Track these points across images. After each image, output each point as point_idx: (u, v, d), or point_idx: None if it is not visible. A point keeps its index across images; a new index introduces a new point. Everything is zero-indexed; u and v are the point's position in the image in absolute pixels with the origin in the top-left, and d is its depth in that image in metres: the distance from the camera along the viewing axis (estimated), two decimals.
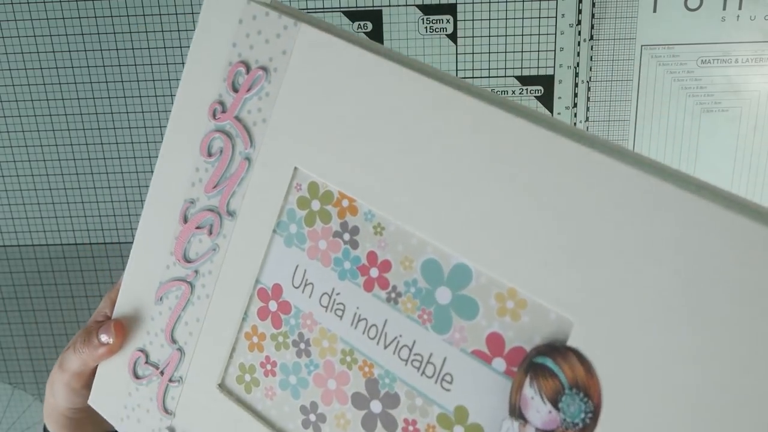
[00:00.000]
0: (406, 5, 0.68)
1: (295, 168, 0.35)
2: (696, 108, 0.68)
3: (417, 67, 0.32)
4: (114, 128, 0.73)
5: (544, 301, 0.28)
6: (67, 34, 0.70)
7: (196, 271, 0.38)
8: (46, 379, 0.85)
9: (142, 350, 0.41)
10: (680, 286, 0.25)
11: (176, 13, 0.69)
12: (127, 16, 0.69)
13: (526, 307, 0.29)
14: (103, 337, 0.41)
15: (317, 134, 0.34)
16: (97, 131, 0.73)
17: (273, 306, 0.36)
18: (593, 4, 0.66)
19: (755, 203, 0.25)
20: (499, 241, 0.29)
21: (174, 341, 0.40)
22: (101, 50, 0.71)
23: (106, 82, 0.72)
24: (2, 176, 0.75)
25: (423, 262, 0.32)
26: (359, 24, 0.69)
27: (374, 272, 0.33)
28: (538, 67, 0.69)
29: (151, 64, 0.71)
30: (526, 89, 0.69)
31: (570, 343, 0.27)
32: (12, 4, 0.69)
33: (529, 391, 0.28)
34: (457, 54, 0.69)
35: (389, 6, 0.68)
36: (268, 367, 0.37)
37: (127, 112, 0.73)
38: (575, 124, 0.70)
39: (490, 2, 0.67)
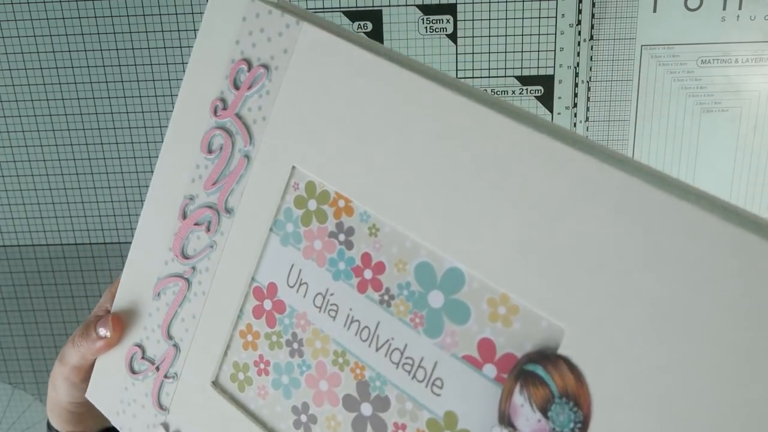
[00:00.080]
0: (406, 5, 0.68)
1: (293, 167, 0.35)
2: (696, 108, 0.68)
3: (417, 68, 0.32)
4: (114, 128, 0.73)
5: (536, 307, 0.28)
6: (67, 34, 0.70)
7: (194, 268, 0.39)
8: (46, 379, 0.85)
9: (139, 345, 0.41)
10: (674, 297, 0.24)
11: (176, 13, 0.69)
12: (127, 16, 0.69)
13: (518, 313, 0.29)
14: (101, 331, 0.41)
15: (316, 133, 0.34)
16: (97, 131, 0.73)
17: (268, 305, 0.36)
18: (593, 4, 0.66)
19: (753, 214, 0.24)
20: (493, 246, 0.29)
21: (170, 337, 0.40)
22: (101, 50, 0.71)
23: (106, 82, 0.72)
24: (2, 176, 0.75)
25: (417, 265, 0.32)
26: (359, 24, 0.69)
27: (368, 274, 0.33)
28: (538, 67, 0.69)
29: (151, 64, 0.71)
30: (526, 89, 0.69)
31: (561, 351, 0.27)
32: (12, 4, 0.69)
33: (518, 398, 0.28)
34: (457, 54, 0.69)
35: (389, 6, 0.68)
36: (262, 366, 0.37)
37: (127, 112, 0.73)
38: (575, 124, 0.70)
39: (490, 2, 0.67)
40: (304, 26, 0.34)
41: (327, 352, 0.34)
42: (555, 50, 0.68)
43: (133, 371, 0.41)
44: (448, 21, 0.68)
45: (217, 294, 0.38)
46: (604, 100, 0.69)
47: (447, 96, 0.30)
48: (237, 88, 0.37)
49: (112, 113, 0.73)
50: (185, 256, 0.39)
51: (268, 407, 0.37)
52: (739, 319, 0.23)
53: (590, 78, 0.68)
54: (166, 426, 0.40)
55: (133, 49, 0.71)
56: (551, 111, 0.70)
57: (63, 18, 0.70)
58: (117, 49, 0.71)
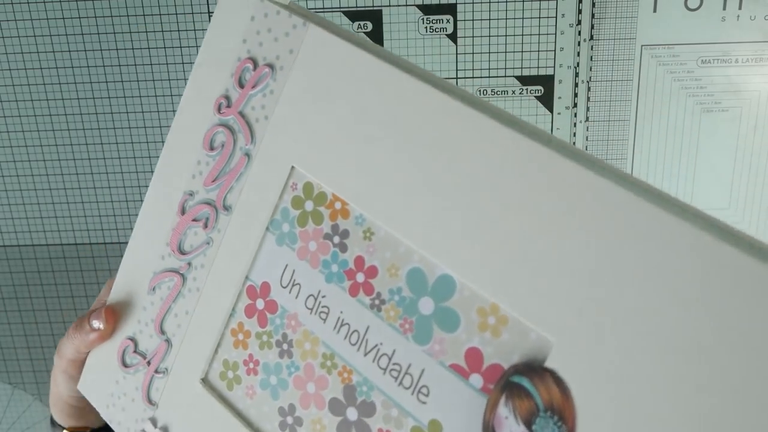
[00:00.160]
0: (406, 5, 0.68)
1: (292, 167, 0.35)
2: (696, 108, 0.68)
3: (420, 74, 0.32)
4: (114, 128, 0.73)
5: (525, 319, 0.28)
6: (67, 34, 0.70)
7: (189, 264, 0.39)
8: (46, 379, 0.85)
9: (131, 339, 0.41)
10: (665, 313, 0.24)
11: (176, 13, 0.69)
12: (127, 16, 0.69)
13: (507, 324, 0.28)
14: (95, 323, 0.42)
15: (316, 135, 0.34)
16: (97, 131, 0.73)
17: (260, 304, 0.36)
18: (593, 4, 0.66)
19: (749, 236, 0.24)
20: (486, 255, 0.29)
21: (163, 332, 0.40)
22: (101, 50, 0.71)
23: (106, 82, 0.72)
24: (2, 176, 0.75)
25: (409, 270, 0.31)
26: (359, 24, 0.69)
27: (360, 277, 0.33)
28: (538, 67, 0.69)
29: (151, 64, 0.71)
30: (526, 89, 0.69)
31: (548, 364, 0.27)
32: (12, 4, 0.69)
33: (503, 410, 0.28)
34: (457, 54, 0.69)
35: (389, 6, 0.68)
36: (251, 365, 0.37)
37: (127, 112, 0.73)
38: (575, 124, 0.70)
39: (490, 2, 0.67)
40: (311, 28, 0.34)
41: (316, 354, 0.34)
42: (555, 50, 0.68)
43: (124, 364, 0.41)
44: (448, 21, 0.68)
45: (211, 291, 0.38)
46: (604, 100, 0.69)
47: (448, 103, 0.30)
48: (242, 86, 0.37)
49: (112, 113, 0.73)
50: (182, 252, 0.39)
51: (255, 407, 0.37)
52: (729, 338, 0.23)
53: (590, 78, 0.68)
54: (153, 421, 0.40)
55: (133, 49, 0.71)
56: (551, 111, 0.70)
57: (63, 18, 0.70)
58: (117, 49, 0.71)
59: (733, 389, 0.23)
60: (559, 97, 0.69)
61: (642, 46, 0.67)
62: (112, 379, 0.42)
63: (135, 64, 0.71)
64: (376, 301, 0.32)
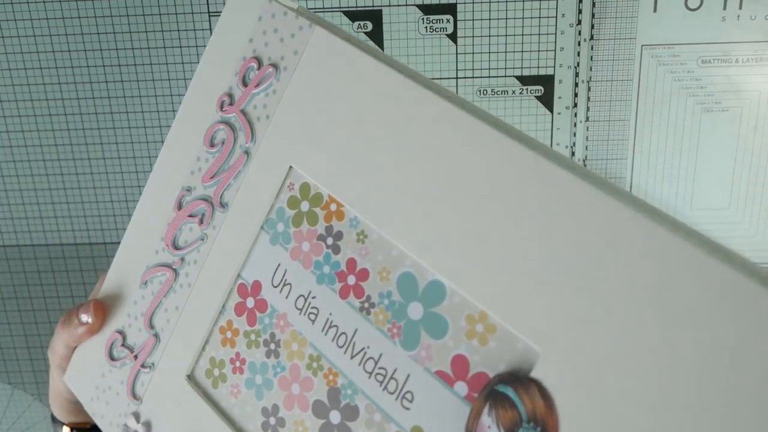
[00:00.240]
0: (406, 5, 0.68)
1: (290, 167, 0.35)
2: (696, 108, 0.68)
3: (421, 81, 0.32)
4: (114, 128, 0.73)
5: (513, 328, 0.27)
6: (66, 34, 0.70)
7: (183, 259, 0.39)
8: (46, 379, 0.85)
9: (120, 332, 0.41)
10: (654, 331, 0.24)
11: (176, 13, 0.69)
12: (127, 15, 0.69)
13: (495, 332, 0.28)
14: (83, 317, 0.42)
15: (315, 136, 0.34)
16: (96, 131, 0.73)
17: (250, 303, 0.36)
18: (593, 4, 0.66)
19: (741, 256, 0.24)
20: (477, 262, 0.28)
21: (152, 326, 0.40)
22: (101, 50, 0.71)
23: (106, 82, 0.72)
24: (2, 176, 0.75)
25: (400, 275, 0.31)
26: (359, 24, 0.69)
27: (351, 279, 0.33)
28: (538, 67, 0.69)
29: (151, 64, 0.71)
30: (526, 89, 0.69)
31: (534, 374, 0.26)
32: (12, 3, 0.69)
33: (486, 419, 0.27)
34: (457, 54, 0.69)
35: (389, 6, 0.68)
36: (237, 364, 0.37)
37: (127, 112, 0.73)
38: (575, 124, 0.70)
39: (490, 2, 0.67)
40: (317, 30, 0.35)
41: (303, 355, 0.34)
42: (555, 50, 0.68)
43: (111, 358, 0.41)
44: (448, 21, 0.68)
45: (202, 287, 0.38)
46: (605, 100, 0.69)
47: (446, 109, 0.30)
48: (245, 84, 0.37)
49: (111, 113, 0.73)
50: (176, 247, 0.39)
51: (239, 406, 0.36)
52: (716, 354, 0.23)
53: (590, 78, 0.68)
54: (136, 416, 0.40)
55: (133, 49, 0.70)
56: (551, 111, 0.70)
57: (63, 18, 0.70)
58: (117, 49, 0.70)
59: (719, 405, 0.22)
60: (560, 97, 0.69)
61: (642, 45, 0.67)
62: (98, 372, 0.42)
63: (135, 64, 0.71)
64: (366, 305, 0.32)
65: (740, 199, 0.70)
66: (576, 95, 0.69)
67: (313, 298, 0.34)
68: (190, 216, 0.38)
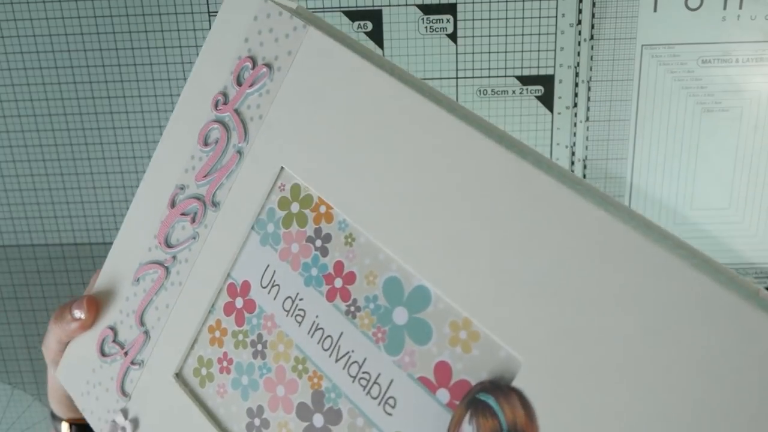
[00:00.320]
0: (406, 5, 0.68)
1: (282, 168, 0.35)
2: (696, 108, 0.68)
3: (413, 83, 0.31)
4: (114, 128, 0.73)
5: (496, 336, 0.27)
6: (66, 34, 0.70)
7: (174, 257, 0.39)
8: (45, 379, 0.85)
9: (112, 328, 0.41)
10: (637, 343, 0.24)
11: (176, 13, 0.69)
12: (127, 15, 0.69)
13: (479, 339, 0.28)
14: (76, 313, 0.42)
15: (307, 137, 0.34)
16: (96, 131, 0.73)
17: (239, 303, 0.36)
18: (594, 4, 0.66)
19: (729, 270, 0.24)
20: (462, 268, 0.28)
21: (142, 324, 0.40)
22: (101, 50, 0.71)
23: (106, 82, 0.72)
24: (2, 176, 0.75)
25: (386, 279, 0.31)
26: (359, 24, 0.69)
27: (338, 282, 0.33)
28: (538, 67, 0.69)
29: (150, 64, 0.71)
30: (526, 89, 0.69)
31: (516, 383, 0.26)
32: (12, 3, 0.69)
33: (467, 427, 0.27)
34: (457, 54, 0.69)
35: (389, 6, 0.68)
36: (225, 363, 0.37)
37: (127, 112, 0.72)
38: (575, 124, 0.70)
39: (490, 2, 0.67)
40: (311, 31, 0.35)
41: (288, 357, 0.34)
42: (555, 50, 0.68)
43: (102, 353, 0.41)
44: (448, 21, 0.68)
45: (192, 286, 0.38)
46: (605, 100, 0.69)
47: (437, 114, 0.30)
48: (240, 84, 0.37)
49: (111, 113, 0.73)
50: (168, 245, 0.39)
51: (224, 406, 0.36)
52: (700, 367, 0.22)
53: (590, 78, 0.68)
54: (125, 412, 0.40)
55: (132, 48, 0.70)
56: (551, 111, 0.69)
57: (63, 18, 0.70)
58: (117, 49, 0.70)
59: (700, 416, 0.22)
60: (560, 97, 0.69)
61: (642, 45, 0.67)
62: (89, 368, 0.42)
63: (135, 64, 0.71)
64: (352, 308, 0.32)
65: (740, 199, 0.70)
66: (576, 95, 0.69)
67: (301, 300, 0.34)
68: (182, 214, 0.39)
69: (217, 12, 0.68)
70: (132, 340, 0.40)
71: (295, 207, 0.35)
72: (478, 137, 0.28)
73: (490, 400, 0.27)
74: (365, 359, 0.31)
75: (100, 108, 0.72)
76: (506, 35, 0.68)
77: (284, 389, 0.34)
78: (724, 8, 0.65)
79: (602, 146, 0.70)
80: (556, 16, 0.67)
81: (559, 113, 0.69)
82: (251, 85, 0.36)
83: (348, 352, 0.32)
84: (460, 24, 0.68)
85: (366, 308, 0.32)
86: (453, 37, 0.68)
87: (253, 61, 0.37)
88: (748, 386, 0.22)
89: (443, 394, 0.29)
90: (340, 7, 0.68)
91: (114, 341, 0.41)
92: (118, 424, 0.40)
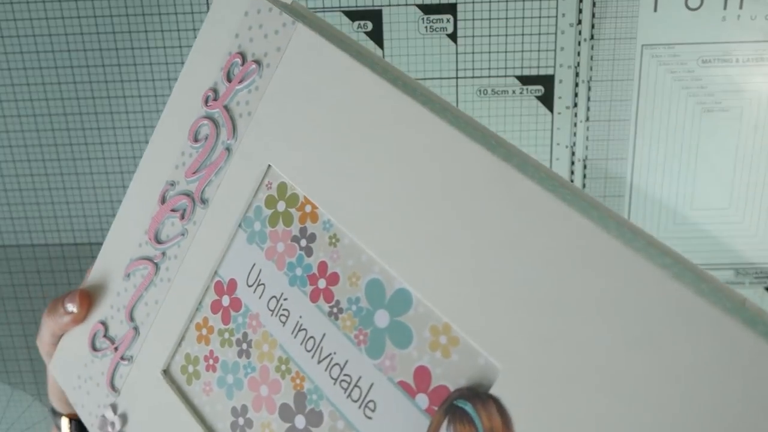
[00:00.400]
0: (406, 5, 0.68)
1: (269, 165, 0.35)
2: (697, 108, 0.68)
3: (402, 83, 0.31)
4: (114, 128, 0.73)
5: (475, 342, 0.27)
6: (66, 34, 0.70)
7: (164, 254, 0.39)
8: (45, 379, 0.85)
9: (103, 323, 0.41)
10: (614, 353, 0.23)
11: (176, 13, 0.69)
12: (127, 15, 0.69)
13: (458, 345, 0.28)
14: (69, 306, 0.42)
15: (294, 135, 0.34)
16: (96, 131, 0.73)
17: (226, 301, 0.36)
18: (594, 4, 0.66)
19: (716, 280, 0.23)
20: (444, 272, 0.28)
21: (132, 319, 0.40)
22: (100, 50, 0.71)
23: (106, 82, 0.71)
24: (1, 176, 0.75)
25: (368, 281, 0.31)
26: (359, 23, 0.69)
27: (322, 283, 0.33)
28: (538, 67, 0.69)
29: (150, 64, 0.71)
30: (526, 89, 0.69)
31: (493, 391, 0.26)
32: (12, 3, 0.69)
33: None
34: (457, 54, 0.69)
35: (389, 6, 0.68)
36: (211, 362, 0.37)
37: (127, 112, 0.72)
38: (575, 123, 0.70)
39: (490, 2, 0.67)
40: (299, 27, 0.34)
41: (272, 357, 0.34)
42: (555, 50, 0.68)
43: (94, 348, 0.41)
44: (448, 21, 0.68)
45: (181, 283, 0.38)
46: (605, 100, 0.69)
47: (423, 116, 0.29)
48: (229, 80, 0.37)
49: (111, 113, 0.73)
50: (158, 241, 0.39)
51: (210, 405, 0.36)
52: (682, 382, 0.22)
53: (590, 78, 0.68)
54: (114, 407, 0.40)
55: (132, 48, 0.70)
56: (551, 111, 0.69)
57: (63, 18, 0.70)
58: (116, 49, 0.70)
59: (679, 425, 0.22)
60: (560, 97, 0.69)
61: (642, 45, 0.67)
62: (81, 362, 0.42)
63: (135, 64, 0.71)
64: (335, 309, 0.32)
65: (740, 199, 0.70)
66: (576, 95, 0.69)
67: (285, 300, 0.34)
68: (172, 210, 0.39)
69: None
70: (122, 336, 0.40)
71: (281, 206, 0.35)
72: (463, 139, 0.28)
73: (468, 407, 0.27)
74: (347, 361, 0.31)
75: (100, 108, 0.72)
76: (506, 35, 0.68)
77: (268, 389, 0.34)
78: (724, 8, 0.65)
79: (602, 146, 0.70)
80: (556, 16, 0.67)
81: (559, 113, 0.69)
82: (240, 82, 0.36)
83: (330, 354, 0.32)
84: (460, 24, 0.68)
85: (348, 310, 0.32)
86: (453, 37, 0.68)
87: (243, 57, 0.37)
88: (727, 399, 0.21)
89: (422, 400, 0.29)
90: (340, 7, 0.68)
91: (105, 336, 0.41)
92: (107, 419, 0.40)
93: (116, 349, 0.40)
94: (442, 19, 0.68)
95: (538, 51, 0.68)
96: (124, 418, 0.39)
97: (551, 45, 0.68)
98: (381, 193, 0.31)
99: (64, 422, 0.48)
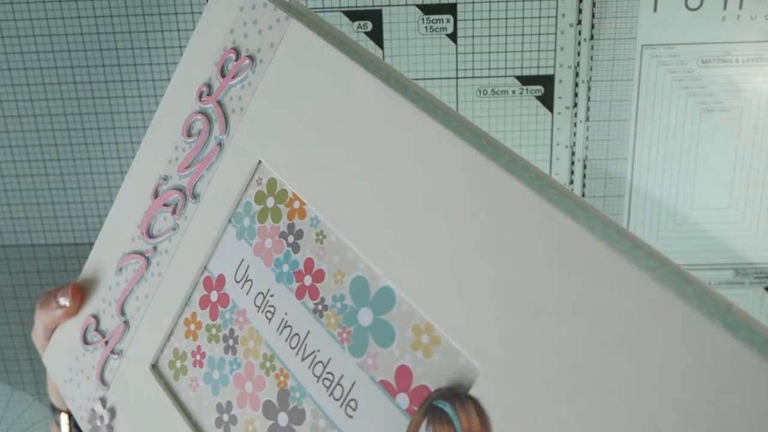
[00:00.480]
0: (406, 5, 0.68)
1: (259, 161, 0.35)
2: (696, 108, 0.68)
3: (394, 81, 0.31)
4: (114, 128, 0.73)
5: (456, 342, 0.27)
6: (66, 34, 0.70)
7: (155, 248, 0.39)
8: (45, 380, 0.85)
9: (95, 316, 0.41)
10: (594, 355, 0.23)
11: (176, 13, 0.69)
12: (127, 15, 0.69)
13: (439, 345, 0.28)
14: (61, 300, 0.42)
15: (284, 131, 0.34)
16: (96, 131, 0.73)
17: (214, 296, 0.36)
18: (593, 4, 0.66)
19: (702, 283, 0.23)
20: (427, 272, 0.28)
21: (123, 313, 0.40)
22: (100, 50, 0.71)
23: (106, 82, 0.71)
24: (1, 176, 0.75)
25: (353, 278, 0.31)
26: (359, 24, 0.69)
27: (308, 280, 0.32)
28: (538, 67, 0.69)
29: (150, 64, 0.71)
30: (526, 89, 0.69)
31: (473, 392, 0.26)
32: (12, 3, 0.69)
33: None
34: (457, 54, 0.69)
35: (389, 6, 0.68)
36: (198, 357, 0.37)
37: (127, 112, 0.72)
38: (575, 123, 0.70)
39: (490, 2, 0.67)
40: (292, 23, 0.34)
41: (257, 353, 0.34)
42: (555, 50, 0.68)
43: (85, 341, 0.42)
44: (448, 21, 0.68)
45: (171, 278, 0.38)
46: (605, 100, 0.69)
47: (411, 114, 0.29)
48: (223, 75, 0.37)
49: (111, 113, 0.73)
50: (150, 236, 0.39)
51: (196, 400, 0.36)
52: (660, 383, 0.22)
53: (590, 78, 0.68)
54: (103, 401, 0.40)
55: (132, 48, 0.70)
56: (551, 111, 0.69)
57: (63, 18, 0.70)
58: (116, 49, 0.70)
59: (657, 426, 0.22)
60: (560, 97, 0.69)
61: (642, 45, 0.67)
62: (72, 355, 0.42)
63: (135, 64, 0.71)
64: (319, 307, 0.32)
65: (740, 199, 0.70)
66: (576, 95, 0.69)
67: (271, 296, 0.34)
68: (164, 205, 0.39)
69: None
70: (113, 329, 0.40)
71: (270, 201, 0.35)
72: (451, 138, 0.28)
73: (447, 408, 0.27)
74: (330, 359, 0.31)
75: (100, 108, 0.72)
76: (506, 35, 0.68)
77: (252, 386, 0.34)
78: (724, 8, 0.65)
79: (602, 146, 0.70)
80: (556, 16, 0.67)
81: (559, 113, 0.69)
82: (234, 77, 0.36)
83: (314, 352, 0.32)
84: (460, 24, 0.68)
85: (333, 307, 0.31)
86: (453, 37, 0.68)
87: (237, 52, 0.37)
88: (704, 402, 0.21)
89: (403, 399, 0.29)
90: (340, 7, 0.68)
91: (96, 330, 0.41)
92: (96, 413, 0.40)
93: (107, 342, 0.40)
94: (442, 19, 0.68)
95: (538, 51, 0.68)
96: (112, 412, 0.39)
97: (551, 45, 0.68)
98: (368, 191, 0.30)
99: (64, 418, 0.48)
